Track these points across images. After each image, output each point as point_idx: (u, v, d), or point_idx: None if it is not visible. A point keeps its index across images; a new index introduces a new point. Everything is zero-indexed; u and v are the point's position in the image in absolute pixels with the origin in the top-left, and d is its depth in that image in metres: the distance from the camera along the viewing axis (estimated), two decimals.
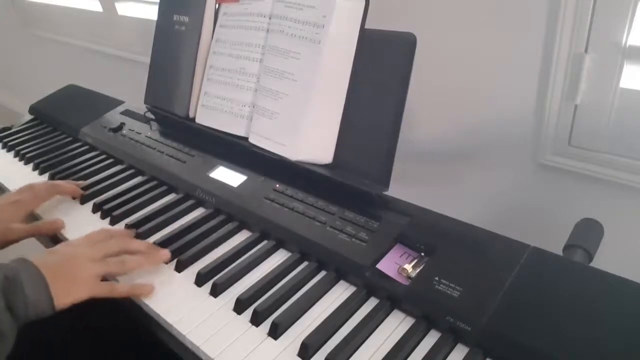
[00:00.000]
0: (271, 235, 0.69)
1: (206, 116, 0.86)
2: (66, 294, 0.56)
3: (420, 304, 0.55)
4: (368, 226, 0.64)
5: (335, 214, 0.67)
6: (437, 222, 0.64)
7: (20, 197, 0.77)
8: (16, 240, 0.73)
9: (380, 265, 0.60)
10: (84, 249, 0.62)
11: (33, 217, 0.79)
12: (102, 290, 0.60)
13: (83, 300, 0.58)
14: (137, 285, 0.62)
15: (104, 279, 0.62)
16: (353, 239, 0.63)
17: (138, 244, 0.66)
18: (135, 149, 0.93)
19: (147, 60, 0.98)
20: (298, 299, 0.59)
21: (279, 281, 0.62)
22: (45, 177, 0.92)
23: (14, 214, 0.74)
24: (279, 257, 0.66)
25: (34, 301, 0.53)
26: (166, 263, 0.66)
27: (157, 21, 0.97)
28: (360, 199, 0.67)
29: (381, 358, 0.51)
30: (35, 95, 1.26)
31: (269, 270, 0.63)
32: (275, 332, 0.54)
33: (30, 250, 0.91)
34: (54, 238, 0.77)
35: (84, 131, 1.03)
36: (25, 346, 0.53)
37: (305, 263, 0.65)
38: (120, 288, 0.61)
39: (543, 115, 0.80)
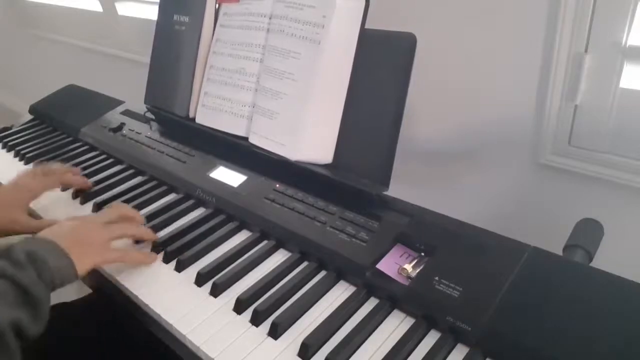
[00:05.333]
0: (271, 235, 0.69)
1: (206, 116, 0.86)
2: (84, 259, 0.59)
3: (420, 304, 0.55)
4: (368, 226, 0.64)
5: (335, 214, 0.67)
6: (437, 222, 0.64)
7: (25, 182, 0.77)
8: (20, 233, 0.74)
9: (380, 265, 0.60)
10: (85, 222, 0.64)
11: (32, 215, 0.79)
12: (116, 254, 0.64)
13: (99, 265, 0.62)
14: (147, 253, 0.67)
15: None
16: (353, 239, 0.63)
17: (134, 211, 0.71)
18: (135, 149, 0.93)
19: (147, 60, 0.98)
20: (298, 299, 0.59)
21: (279, 281, 0.62)
22: None
23: (21, 203, 0.75)
24: (279, 257, 0.66)
25: (58, 269, 0.55)
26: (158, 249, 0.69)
27: (157, 21, 0.97)
28: (360, 199, 0.67)
29: (381, 358, 0.51)
30: (35, 95, 1.26)
31: (269, 270, 0.63)
32: (275, 332, 0.54)
33: None
34: None
35: (84, 131, 1.03)
36: (25, 347, 0.53)
37: (305, 263, 0.65)
38: (132, 254, 0.65)
39: (543, 115, 0.80)
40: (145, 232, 0.69)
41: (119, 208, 0.70)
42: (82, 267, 0.58)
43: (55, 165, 0.85)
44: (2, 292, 0.50)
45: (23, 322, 0.49)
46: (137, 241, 0.70)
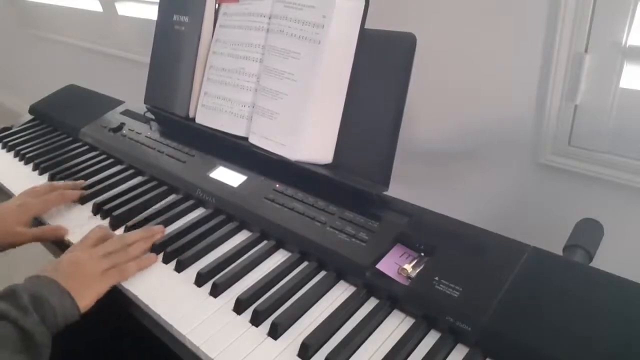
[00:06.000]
0: (271, 235, 0.69)
1: (206, 116, 0.86)
2: (85, 295, 0.59)
3: (420, 304, 0.55)
4: (368, 226, 0.64)
5: (335, 214, 0.67)
6: (437, 222, 0.64)
7: (28, 200, 0.78)
8: (20, 244, 0.74)
9: (380, 265, 0.60)
10: (85, 253, 0.64)
11: (36, 219, 0.79)
12: (114, 278, 0.63)
13: (102, 296, 0.61)
14: (143, 259, 0.66)
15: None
16: (353, 239, 0.63)
17: (134, 235, 0.69)
18: (135, 149, 0.93)
19: (147, 60, 0.98)
20: (298, 299, 0.59)
21: (279, 281, 0.62)
22: (45, 177, 0.92)
23: (20, 216, 0.75)
24: (279, 257, 0.66)
25: (62, 309, 0.56)
26: (160, 240, 0.70)
27: (157, 21, 0.97)
28: (360, 199, 0.67)
29: (381, 358, 0.51)
30: (35, 95, 1.26)
31: (269, 270, 0.63)
32: (275, 332, 0.54)
33: (34, 253, 0.92)
34: (57, 242, 0.77)
35: (84, 131, 1.03)
36: None
37: (305, 263, 0.65)
38: (129, 269, 0.64)
39: (543, 115, 0.80)
40: (147, 245, 0.68)
41: (120, 240, 0.68)
42: (84, 302, 0.59)
43: (60, 183, 0.85)
44: (4, 335, 0.50)
45: None
46: None
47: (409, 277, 0.58)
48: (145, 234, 0.70)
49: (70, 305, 0.57)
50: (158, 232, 0.71)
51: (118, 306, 0.64)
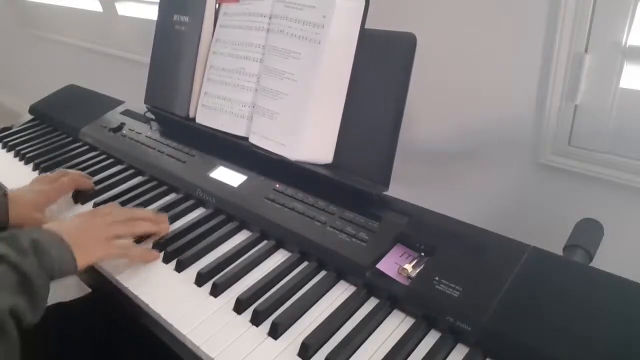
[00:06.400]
0: (271, 235, 0.69)
1: (206, 116, 0.86)
2: (86, 252, 0.60)
3: (420, 304, 0.55)
4: (368, 226, 0.64)
5: (335, 214, 0.67)
6: (437, 222, 0.64)
7: (43, 187, 0.79)
8: None
9: (380, 265, 0.60)
10: (93, 219, 0.65)
11: None
12: (118, 251, 0.64)
13: (101, 260, 0.63)
14: (148, 252, 0.67)
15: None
16: (353, 239, 0.63)
17: (144, 213, 0.70)
18: (135, 149, 0.93)
19: (147, 60, 0.98)
20: (298, 299, 0.59)
21: (279, 281, 0.62)
22: None
23: (37, 203, 0.77)
24: (279, 257, 0.66)
25: (60, 261, 0.56)
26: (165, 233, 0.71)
27: (157, 21, 0.97)
28: (360, 199, 0.67)
29: (381, 358, 0.51)
30: (35, 95, 1.26)
31: (269, 270, 0.63)
32: (275, 332, 0.54)
33: None
34: None
35: (84, 131, 1.03)
36: (27, 346, 0.53)
37: (305, 263, 0.65)
38: (135, 250, 0.65)
39: (543, 115, 0.80)
40: (155, 227, 0.69)
41: (129, 211, 0.69)
42: (84, 260, 0.59)
43: (65, 170, 0.85)
44: (3, 276, 0.50)
45: (21, 309, 0.49)
46: (138, 241, 0.70)
47: (409, 277, 0.58)
48: (154, 217, 0.70)
49: (69, 258, 0.57)
50: (165, 221, 0.71)
51: (114, 303, 0.64)
